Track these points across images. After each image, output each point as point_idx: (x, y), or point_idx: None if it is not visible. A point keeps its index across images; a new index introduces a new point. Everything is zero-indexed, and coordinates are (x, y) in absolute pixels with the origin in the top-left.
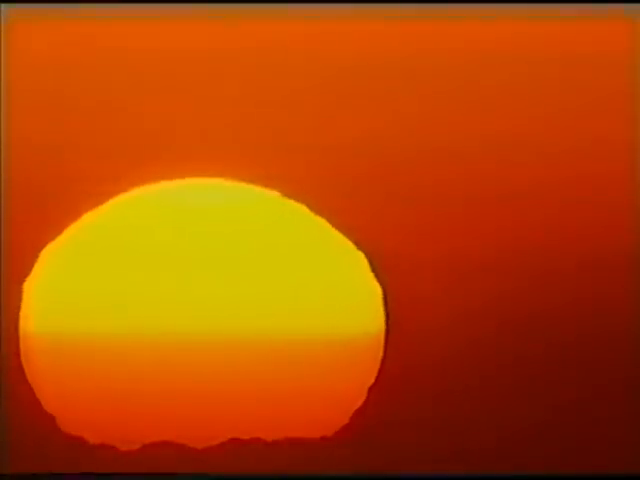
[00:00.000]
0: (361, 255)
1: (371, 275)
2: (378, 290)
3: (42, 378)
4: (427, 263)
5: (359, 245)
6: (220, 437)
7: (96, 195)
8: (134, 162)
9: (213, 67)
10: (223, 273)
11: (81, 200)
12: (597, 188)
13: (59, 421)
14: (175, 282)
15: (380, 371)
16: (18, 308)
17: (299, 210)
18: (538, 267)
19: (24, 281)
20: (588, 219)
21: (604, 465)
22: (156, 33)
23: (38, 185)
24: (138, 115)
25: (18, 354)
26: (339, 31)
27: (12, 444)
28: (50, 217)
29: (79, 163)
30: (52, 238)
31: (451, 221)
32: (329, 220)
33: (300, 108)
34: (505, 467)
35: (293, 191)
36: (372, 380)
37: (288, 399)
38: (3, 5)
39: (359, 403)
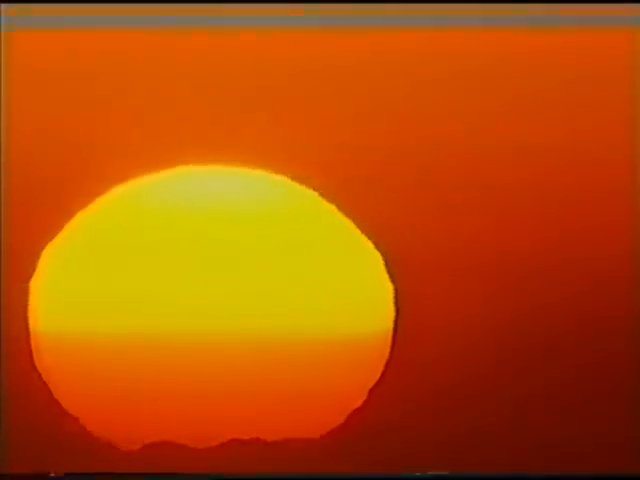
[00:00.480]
0: (378, 256)
1: (385, 276)
2: (390, 291)
3: (46, 377)
4: (440, 267)
5: (378, 246)
6: (221, 437)
7: (96, 195)
8: (135, 163)
9: (215, 70)
10: (232, 271)
11: (79, 199)
12: (599, 193)
13: (61, 420)
14: (182, 281)
15: (385, 371)
16: (18, 307)
17: (322, 208)
18: (550, 271)
19: (26, 280)
20: (591, 224)
21: (604, 465)
22: (157, 38)
23: (37, 184)
24: (143, 116)
25: (18, 353)
26: (377, 39)
27: (13, 444)
28: (49, 216)
29: (77, 163)
30: (51, 237)
31: (465, 226)
32: (355, 221)
33: (338, 113)
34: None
35: (325, 191)
36: (375, 380)
37: (291, 399)
38: (3, 5)
39: (365, 404)
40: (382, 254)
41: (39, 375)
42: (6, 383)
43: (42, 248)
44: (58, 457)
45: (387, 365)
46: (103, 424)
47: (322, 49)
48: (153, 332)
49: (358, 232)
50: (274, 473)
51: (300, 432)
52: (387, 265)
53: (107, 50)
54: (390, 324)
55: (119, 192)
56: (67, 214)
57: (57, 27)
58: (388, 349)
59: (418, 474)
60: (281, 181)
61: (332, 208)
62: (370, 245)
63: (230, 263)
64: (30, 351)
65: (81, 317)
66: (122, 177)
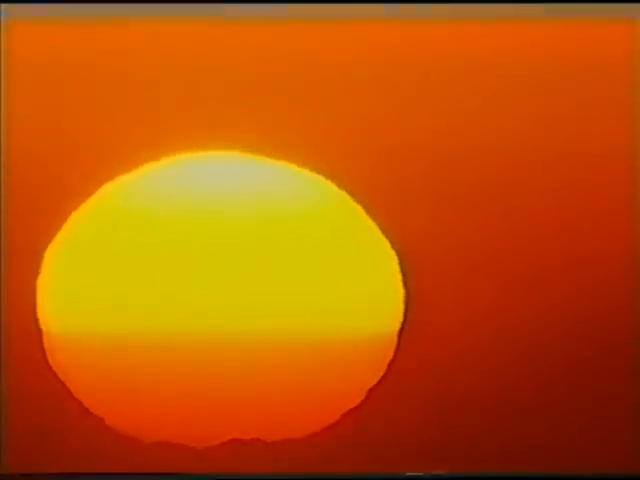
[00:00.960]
0: (394, 258)
1: (399, 279)
2: (401, 291)
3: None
4: (454, 273)
5: (396, 248)
6: (221, 437)
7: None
8: (137, 160)
9: (217, 68)
10: (241, 270)
11: (80, 197)
12: (597, 193)
13: (60, 420)
14: (190, 279)
15: (386, 373)
16: (23, 307)
17: (347, 208)
18: (560, 278)
19: (31, 281)
20: (589, 225)
21: (604, 465)
22: (160, 35)
23: (37, 184)
24: (144, 116)
25: (19, 352)
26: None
27: (12, 444)
28: (50, 215)
29: (78, 160)
30: (53, 236)
31: (488, 234)
32: (379, 223)
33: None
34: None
35: (355, 191)
36: (378, 381)
37: (292, 399)
38: (3, 5)
39: (367, 404)
40: (399, 257)
41: (39, 374)
42: (6, 383)
43: (46, 247)
44: (57, 457)
45: (390, 366)
46: (102, 424)
47: (358, 44)
48: (152, 332)
49: (380, 235)
50: (274, 473)
51: (301, 432)
52: (402, 268)
53: (105, 44)
54: (397, 326)
55: (124, 187)
56: (69, 212)
57: (56, 18)
58: (393, 350)
59: (418, 474)
60: (308, 178)
61: (358, 208)
62: (388, 247)
63: (240, 262)
64: (31, 350)
65: (81, 317)
66: (125, 172)
